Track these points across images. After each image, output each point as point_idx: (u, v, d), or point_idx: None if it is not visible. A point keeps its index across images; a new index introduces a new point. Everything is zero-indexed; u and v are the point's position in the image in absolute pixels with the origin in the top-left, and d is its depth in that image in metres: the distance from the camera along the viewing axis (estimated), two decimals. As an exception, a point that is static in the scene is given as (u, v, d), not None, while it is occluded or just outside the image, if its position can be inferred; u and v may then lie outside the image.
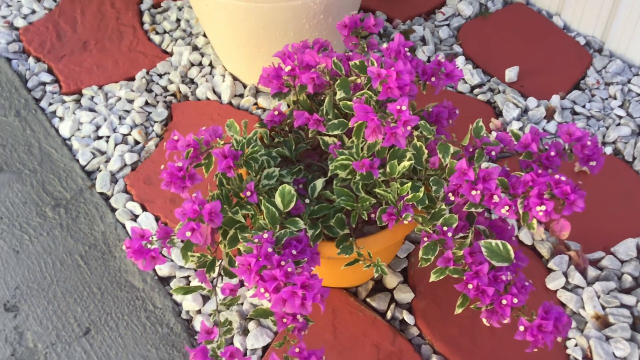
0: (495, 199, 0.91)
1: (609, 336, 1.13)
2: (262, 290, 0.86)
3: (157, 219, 1.33)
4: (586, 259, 1.23)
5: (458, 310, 0.93)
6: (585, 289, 1.18)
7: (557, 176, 0.90)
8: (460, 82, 1.55)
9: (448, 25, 1.69)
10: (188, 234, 0.91)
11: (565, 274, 1.21)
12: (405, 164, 0.95)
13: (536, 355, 1.12)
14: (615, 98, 1.50)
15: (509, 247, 0.92)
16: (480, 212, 0.99)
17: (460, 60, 1.58)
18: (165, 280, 1.26)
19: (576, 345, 1.12)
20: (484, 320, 0.92)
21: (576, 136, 0.95)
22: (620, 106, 1.49)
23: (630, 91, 1.51)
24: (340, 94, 0.98)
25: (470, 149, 0.97)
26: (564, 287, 1.20)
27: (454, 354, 1.12)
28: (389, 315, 1.17)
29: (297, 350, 0.91)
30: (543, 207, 0.88)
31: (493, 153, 0.96)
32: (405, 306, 1.19)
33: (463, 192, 0.91)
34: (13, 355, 1.17)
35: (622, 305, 1.17)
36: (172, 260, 1.27)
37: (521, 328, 0.90)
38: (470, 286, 0.90)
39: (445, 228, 0.93)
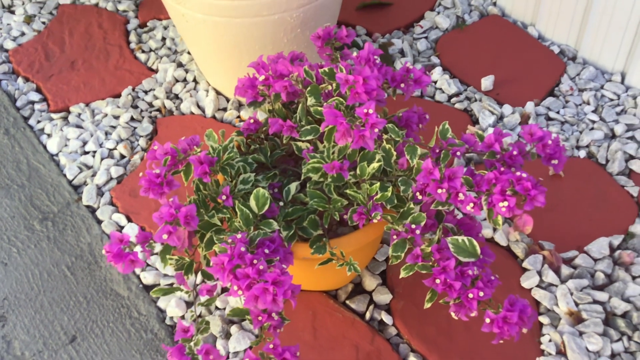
0: (461, 196, 0.94)
1: (582, 331, 1.16)
2: (235, 288, 0.89)
3: (143, 230, 1.36)
4: (559, 257, 1.26)
5: (427, 305, 0.96)
6: (559, 287, 1.21)
7: (518, 173, 0.93)
8: (438, 92, 1.59)
9: (426, 37, 1.73)
10: (165, 236, 0.94)
11: (540, 273, 1.24)
12: (375, 165, 0.99)
13: (510, 351, 1.15)
14: (588, 103, 1.54)
15: (475, 243, 0.95)
16: (449, 211, 1.03)
17: (437, 71, 1.62)
18: (149, 288, 1.29)
19: (550, 340, 1.15)
20: (452, 314, 0.95)
21: (538, 136, 0.99)
22: (594, 111, 1.53)
23: (603, 97, 1.55)
24: (311, 100, 1.02)
25: (437, 150, 1.01)
26: (538, 286, 1.23)
27: (432, 352, 1.15)
28: (367, 316, 1.20)
29: (271, 346, 0.94)
30: (505, 203, 0.91)
31: (458, 153, 0.99)
32: (384, 307, 1.22)
33: (430, 190, 0.95)
34: (1, 363, 1.19)
35: (595, 302, 1.20)
36: (156, 269, 1.30)
37: (487, 320, 0.93)
38: (438, 281, 0.94)
39: (413, 226, 0.96)
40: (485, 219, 1.33)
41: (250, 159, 1.07)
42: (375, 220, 0.96)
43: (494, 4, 1.80)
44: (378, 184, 0.97)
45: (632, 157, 1.43)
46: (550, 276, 1.23)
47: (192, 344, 0.96)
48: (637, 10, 1.46)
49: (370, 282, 1.25)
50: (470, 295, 0.93)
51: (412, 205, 0.98)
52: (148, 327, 1.23)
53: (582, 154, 1.45)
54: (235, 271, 0.90)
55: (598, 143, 1.46)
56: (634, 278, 1.23)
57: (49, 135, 1.56)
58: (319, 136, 1.07)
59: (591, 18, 1.57)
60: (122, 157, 1.50)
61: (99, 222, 1.40)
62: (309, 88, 1.03)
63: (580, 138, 1.47)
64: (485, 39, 1.71)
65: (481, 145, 1.00)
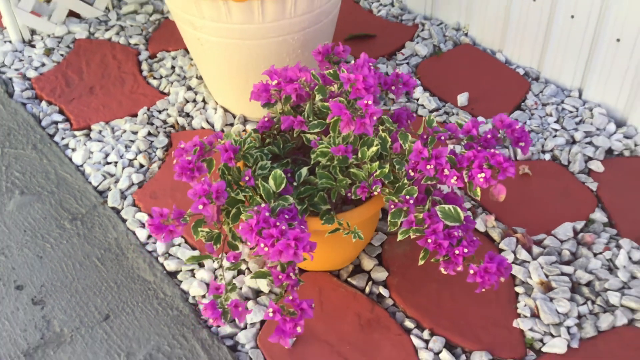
0: (446, 172, 1.14)
1: (552, 297, 1.34)
2: (262, 245, 1.07)
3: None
4: (530, 239, 1.45)
5: (421, 262, 1.14)
6: (531, 263, 1.41)
7: (492, 150, 1.14)
8: (420, 107, 1.80)
9: (407, 63, 1.96)
10: (200, 207, 1.12)
11: (514, 252, 1.43)
12: (373, 149, 1.18)
13: (491, 315, 1.33)
14: (551, 115, 1.76)
15: (460, 210, 1.14)
16: (436, 188, 1.22)
17: (419, 90, 1.84)
18: (172, 275, 1.45)
19: (525, 305, 1.33)
20: (442, 270, 1.14)
21: (507, 122, 1.20)
22: (556, 121, 1.75)
23: (563, 109, 1.78)
24: (318, 97, 1.22)
25: (425, 136, 1.21)
26: (513, 262, 1.42)
27: (424, 317, 1.32)
28: (367, 290, 1.38)
29: (290, 298, 1.11)
30: (482, 174, 1.12)
31: (442, 138, 1.20)
32: (381, 283, 1.40)
33: (420, 167, 1.15)
34: (42, 338, 1.34)
35: (563, 274, 1.39)
36: (178, 258, 1.47)
37: (471, 272, 1.11)
38: (429, 241, 1.12)
39: (408, 197, 1.15)
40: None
41: (266, 150, 1.26)
42: (375, 193, 1.16)
43: (466, 34, 2.04)
44: (377, 162, 1.17)
45: (590, 159, 1.65)
46: (523, 254, 1.42)
47: (222, 299, 1.13)
48: (588, 37, 1.70)
49: (368, 263, 1.43)
50: (457, 252, 1.12)
51: (405, 181, 1.17)
52: (173, 305, 1.38)
53: (547, 157, 1.66)
54: (262, 232, 1.08)
55: (560, 148, 1.68)
56: (595, 255, 1.43)
57: (74, 150, 1.74)
58: (324, 129, 1.26)
59: (550, 44, 1.81)
60: (142, 166, 1.68)
61: (124, 220, 1.56)
62: (317, 87, 1.23)
63: (545, 144, 1.69)
64: (459, 64, 1.94)
65: (461, 131, 1.21)
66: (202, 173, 1.20)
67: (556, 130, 1.73)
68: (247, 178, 1.18)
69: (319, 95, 1.23)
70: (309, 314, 1.12)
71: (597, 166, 1.63)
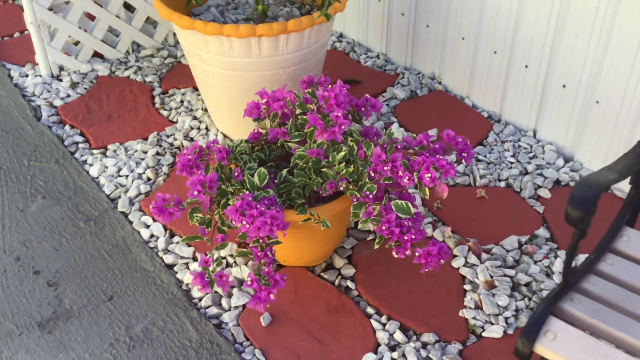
0: (400, 173, 1.39)
1: (494, 293, 1.56)
2: (244, 222, 1.31)
3: (164, 227, 1.77)
4: (480, 247, 1.68)
5: (376, 246, 1.37)
6: (479, 266, 1.63)
7: (438, 156, 1.39)
8: (395, 141, 2.06)
9: (387, 104, 2.24)
10: (195, 193, 1.36)
11: (465, 257, 1.66)
12: (342, 154, 1.43)
13: (441, 306, 1.54)
14: (508, 150, 2.02)
15: (410, 205, 1.38)
16: (392, 189, 1.46)
17: (395, 126, 2.11)
18: (170, 267, 1.68)
19: (471, 299, 1.55)
20: (394, 253, 1.37)
21: (452, 136, 1.45)
22: (512, 156, 2.00)
23: (519, 146, 2.04)
24: (299, 110, 1.49)
25: (385, 145, 1.46)
26: (464, 265, 1.64)
27: (383, 306, 1.54)
28: (336, 283, 1.60)
29: (265, 270, 1.34)
30: (429, 174, 1.36)
31: (399, 146, 1.45)
32: (349, 278, 1.62)
33: (379, 169, 1.39)
34: (54, 313, 1.56)
35: (505, 275, 1.61)
36: (175, 253, 1.70)
37: (417, 254, 1.34)
38: (383, 228, 1.36)
39: (368, 192, 1.39)
40: (417, 192, 1.76)
41: (255, 155, 1.52)
42: (341, 188, 1.40)
43: (440, 82, 2.32)
44: (344, 164, 1.41)
45: (539, 187, 1.89)
46: (473, 259, 1.65)
47: (210, 271, 1.36)
48: (540, 82, 1.98)
49: (339, 262, 1.65)
50: (406, 238, 1.35)
51: (367, 180, 1.42)
52: (169, 290, 1.61)
53: (502, 184, 1.91)
54: (245, 213, 1.32)
55: (514, 177, 1.92)
56: (535, 262, 1.65)
57: (91, 165, 2.00)
58: (303, 140, 1.51)
59: (509, 90, 2.08)
60: (149, 179, 1.93)
61: (131, 222, 1.80)
62: (298, 103, 1.49)
63: (501, 174, 1.93)
64: (432, 106, 2.22)
65: (414, 141, 1.46)
66: (199, 169, 1.45)
67: (512, 163, 1.98)
68: (236, 174, 1.43)
69: (299, 109, 1.49)
70: (281, 285, 1.34)
71: (545, 193, 1.87)
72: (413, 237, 1.35)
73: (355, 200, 1.40)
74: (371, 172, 1.41)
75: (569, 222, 0.92)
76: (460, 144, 1.45)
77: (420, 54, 2.35)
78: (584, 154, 1.95)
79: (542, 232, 1.74)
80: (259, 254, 1.36)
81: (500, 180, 1.93)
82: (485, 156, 2.01)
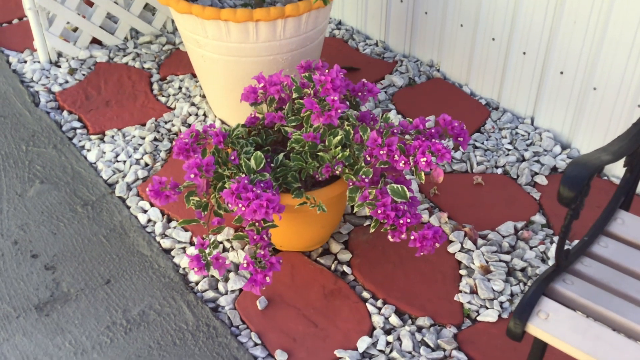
0: (396, 157, 1.39)
1: (490, 278, 1.57)
2: (240, 205, 1.31)
3: (162, 212, 1.78)
4: (476, 232, 1.69)
5: (372, 230, 1.38)
6: (475, 251, 1.63)
7: (433, 140, 1.39)
8: (392, 128, 2.06)
9: (385, 92, 2.24)
10: (192, 176, 1.37)
11: (461, 243, 1.66)
12: (338, 138, 1.44)
13: (437, 290, 1.55)
14: (505, 137, 2.02)
15: (406, 189, 1.38)
16: (389, 174, 1.47)
17: (393, 113, 2.11)
18: (167, 251, 1.68)
19: (466, 284, 1.56)
20: (389, 237, 1.37)
21: (448, 120, 1.45)
22: (509, 143, 2.01)
23: (517, 133, 2.04)
24: (295, 95, 1.49)
25: (381, 130, 1.46)
26: (460, 251, 1.65)
27: (379, 290, 1.55)
28: (333, 267, 1.61)
29: (262, 253, 1.34)
30: (425, 159, 1.36)
31: (395, 131, 1.45)
32: (345, 263, 1.63)
33: (375, 153, 1.39)
34: (52, 296, 1.56)
35: (501, 261, 1.61)
36: (172, 238, 1.70)
37: (412, 237, 1.35)
38: (379, 212, 1.36)
39: (364, 176, 1.40)
40: (414, 177, 1.76)
41: (251, 139, 1.52)
42: (337, 172, 1.40)
43: (438, 70, 2.32)
44: (340, 147, 1.42)
45: (536, 174, 1.90)
46: (469, 244, 1.65)
47: (206, 254, 1.36)
48: (538, 69, 1.98)
49: (335, 247, 1.66)
50: (401, 222, 1.36)
51: (363, 165, 1.42)
52: (166, 274, 1.61)
53: (499, 171, 1.91)
54: (241, 196, 1.32)
55: (511, 164, 1.93)
56: (531, 247, 1.66)
57: (89, 150, 2.00)
58: (299, 125, 1.52)
59: (507, 77, 2.08)
60: (147, 164, 1.94)
61: (128, 207, 1.81)
62: (294, 87, 1.50)
63: (498, 161, 1.94)
64: (430, 94, 2.22)
65: (410, 126, 1.46)
66: (196, 153, 1.45)
67: (509, 150, 1.98)
68: (232, 157, 1.43)
69: (296, 93, 1.49)
70: (277, 268, 1.35)
71: (541, 180, 1.87)
72: (408, 220, 1.35)
73: (351, 184, 1.41)
74: (367, 156, 1.41)
75: (561, 202, 0.93)
76: (456, 128, 1.45)
77: (419, 41, 2.35)
78: (581, 141, 1.95)
79: (538, 218, 1.74)
80: (255, 237, 1.37)
81: (497, 167, 1.93)
82: (482, 143, 2.01)
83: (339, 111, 1.41)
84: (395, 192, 1.38)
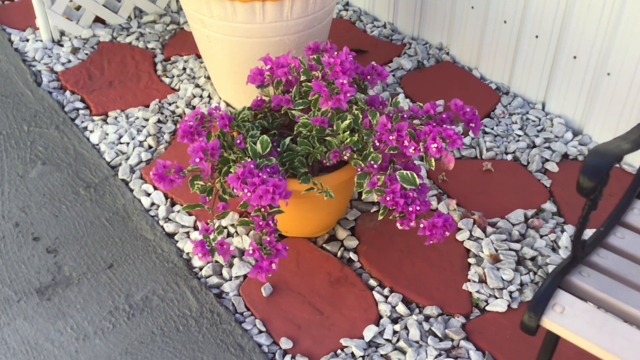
0: (406, 143, 1.35)
1: (499, 267, 1.53)
2: (245, 191, 1.28)
3: (165, 196, 1.75)
4: (485, 220, 1.65)
5: (380, 217, 1.35)
6: (484, 239, 1.60)
7: (444, 126, 1.35)
8: (400, 112, 2.02)
9: (393, 75, 2.19)
10: (197, 160, 1.34)
11: (470, 231, 1.63)
12: (346, 122, 1.40)
13: (444, 279, 1.52)
14: (516, 123, 1.98)
15: (415, 176, 1.35)
16: (398, 160, 1.43)
17: (401, 97, 2.07)
18: (171, 235, 1.66)
19: (475, 272, 1.53)
20: (398, 225, 1.34)
21: (460, 105, 1.42)
22: (520, 129, 1.97)
23: (527, 119, 2.00)
24: (303, 77, 1.45)
25: (390, 114, 1.43)
26: (469, 239, 1.61)
27: (386, 278, 1.52)
28: (339, 254, 1.58)
29: (267, 239, 1.31)
30: (435, 145, 1.33)
31: (405, 116, 1.41)
32: (352, 250, 1.60)
33: (384, 138, 1.36)
34: (53, 280, 1.54)
35: (510, 249, 1.58)
36: (176, 222, 1.67)
37: (421, 226, 1.32)
38: (388, 199, 1.33)
39: (373, 162, 1.36)
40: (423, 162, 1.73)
41: (257, 123, 1.48)
42: (346, 157, 1.37)
43: (447, 53, 2.28)
44: (348, 132, 1.38)
45: (547, 160, 1.86)
46: (478, 232, 1.62)
47: (210, 239, 1.33)
48: (550, 53, 1.93)
49: (341, 233, 1.63)
50: (410, 209, 1.32)
51: (372, 150, 1.38)
52: (169, 259, 1.59)
53: (509, 157, 1.87)
54: (246, 181, 1.29)
55: (522, 150, 1.89)
56: (541, 236, 1.63)
57: (92, 131, 1.96)
58: (306, 108, 1.48)
59: (518, 61, 2.04)
60: (150, 147, 1.90)
61: (131, 190, 1.78)
62: (302, 69, 1.46)
63: (508, 146, 1.90)
64: (439, 77, 2.17)
65: (421, 111, 1.43)
66: (201, 136, 1.42)
67: (519, 136, 1.94)
68: (238, 141, 1.40)
69: (304, 76, 1.45)
70: (283, 254, 1.32)
71: (552, 167, 1.83)
72: (418, 208, 1.32)
73: (359, 169, 1.37)
74: (376, 141, 1.37)
75: (580, 193, 0.89)
76: (468, 113, 1.41)
77: (428, 23, 2.30)
78: (593, 128, 1.91)
79: (549, 206, 1.71)
80: (260, 222, 1.34)
81: (507, 154, 1.89)
82: (492, 128, 1.97)
83: (348, 95, 1.38)
84: (405, 178, 1.34)
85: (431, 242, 1.33)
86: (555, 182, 1.79)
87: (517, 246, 1.59)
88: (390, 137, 1.35)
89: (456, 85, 2.13)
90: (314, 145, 1.41)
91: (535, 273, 1.53)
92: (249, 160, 1.34)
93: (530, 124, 1.97)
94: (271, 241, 1.32)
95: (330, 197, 1.38)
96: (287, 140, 1.44)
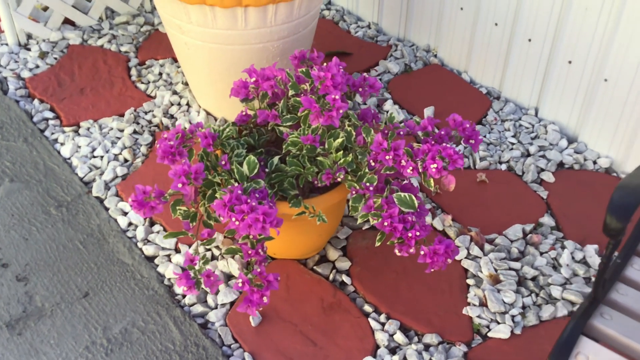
0: (403, 162, 1.26)
1: (499, 289, 1.46)
2: (233, 219, 1.18)
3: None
4: (483, 237, 1.58)
5: (377, 243, 1.26)
6: (482, 258, 1.53)
7: (444, 144, 1.27)
8: (389, 119, 1.94)
9: (380, 79, 2.10)
10: (180, 185, 1.23)
11: (468, 249, 1.56)
12: (339, 140, 1.31)
13: (443, 303, 1.44)
14: (509, 130, 1.91)
15: (414, 198, 1.26)
16: (394, 180, 1.34)
17: (389, 103, 1.98)
18: (150, 259, 1.55)
19: (475, 295, 1.45)
20: (397, 251, 1.25)
21: (459, 121, 1.33)
22: (513, 136, 1.89)
23: (520, 125, 1.93)
24: (292, 92, 1.35)
25: (386, 131, 1.34)
26: (466, 257, 1.54)
27: (381, 303, 1.43)
28: (331, 277, 1.49)
29: (258, 270, 1.22)
30: (435, 165, 1.24)
31: (401, 133, 1.33)
32: (344, 272, 1.51)
33: (380, 158, 1.27)
34: (24, 312, 1.43)
35: (510, 269, 1.51)
36: (156, 244, 1.57)
37: (422, 252, 1.23)
38: (385, 224, 1.24)
39: (368, 184, 1.27)
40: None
41: (243, 140, 1.38)
42: (339, 179, 1.28)
43: (435, 55, 2.19)
44: (342, 152, 1.29)
45: (542, 170, 1.79)
46: (475, 250, 1.54)
47: (196, 268, 1.24)
48: (544, 58, 1.86)
49: (333, 254, 1.54)
50: (410, 235, 1.24)
51: (366, 170, 1.29)
52: (149, 286, 1.48)
53: (504, 167, 1.80)
54: (234, 208, 1.19)
55: (516, 159, 1.81)
56: (541, 253, 1.55)
57: (62, 144, 1.84)
58: (295, 124, 1.38)
59: (510, 65, 1.96)
60: (126, 160, 1.79)
61: (107, 209, 1.66)
62: (290, 83, 1.36)
63: (502, 155, 1.82)
64: (428, 81, 2.09)
65: (418, 127, 1.34)
66: (183, 157, 1.31)
67: (513, 144, 1.87)
68: (223, 162, 1.30)
69: (292, 90, 1.35)
70: (275, 286, 1.22)
71: (548, 177, 1.76)
72: (418, 233, 1.24)
73: (354, 192, 1.28)
74: (371, 161, 1.28)
75: (608, 234, 0.81)
76: (468, 129, 1.33)
77: (415, 24, 2.22)
78: (589, 135, 1.84)
79: (547, 219, 1.64)
80: (249, 251, 1.24)
81: (501, 163, 1.82)
82: (484, 136, 1.89)
83: (341, 111, 1.28)
84: (403, 201, 1.25)
85: (432, 270, 1.25)
86: (552, 194, 1.72)
87: (517, 265, 1.51)
88: (387, 157, 1.26)
89: (445, 90, 2.05)
90: (305, 166, 1.32)
91: (537, 295, 1.46)
92: (236, 184, 1.24)
93: (524, 131, 1.90)
94: (262, 272, 1.22)
95: (324, 222, 1.29)
96: (276, 159, 1.34)
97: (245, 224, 1.17)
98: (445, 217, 1.62)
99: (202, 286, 1.23)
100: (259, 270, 1.22)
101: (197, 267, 1.24)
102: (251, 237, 1.25)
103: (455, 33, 2.09)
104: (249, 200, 1.19)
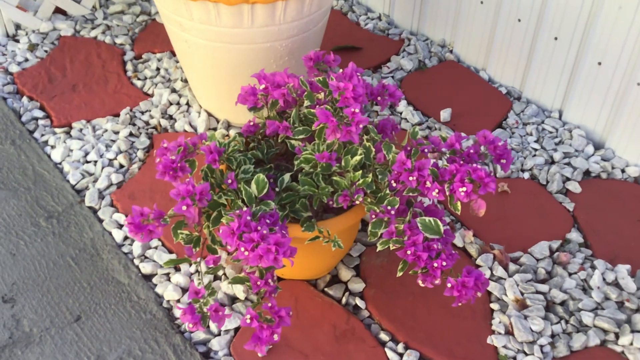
0: (428, 184, 1.14)
1: (526, 315, 1.35)
2: (242, 249, 1.06)
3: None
4: (507, 256, 1.46)
5: (399, 273, 1.14)
6: (507, 280, 1.41)
7: (474, 165, 1.14)
8: (403, 121, 1.81)
9: (392, 77, 1.97)
10: (184, 208, 1.11)
11: (491, 269, 1.44)
12: (357, 158, 1.18)
13: (465, 330, 1.33)
14: (531, 134, 1.78)
15: (440, 223, 1.14)
16: (417, 201, 1.23)
17: (402, 104, 1.85)
18: (148, 277, 1.43)
19: (500, 322, 1.34)
20: (420, 282, 1.14)
21: (490, 139, 1.21)
22: (536, 141, 1.77)
23: (543, 129, 1.80)
24: (306, 103, 1.22)
25: (409, 148, 1.21)
26: (489, 278, 1.42)
27: (399, 330, 1.32)
28: (343, 301, 1.37)
29: (269, 305, 1.10)
30: (464, 188, 1.12)
31: (426, 150, 1.20)
32: (358, 294, 1.39)
33: (403, 179, 1.15)
34: (11, 338, 1.31)
35: (538, 292, 1.40)
36: (154, 261, 1.45)
37: (449, 285, 1.12)
38: (408, 252, 1.12)
39: (389, 207, 1.15)
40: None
41: (250, 154, 1.26)
42: (357, 202, 1.16)
43: (451, 51, 2.06)
44: (360, 171, 1.17)
45: (568, 179, 1.67)
46: (499, 271, 1.43)
47: (202, 302, 1.12)
48: (571, 58, 1.73)
49: (345, 274, 1.42)
50: (435, 265, 1.12)
51: (387, 192, 1.17)
52: (147, 309, 1.37)
53: (526, 175, 1.68)
54: (242, 236, 1.07)
55: (539, 167, 1.70)
56: (570, 274, 1.44)
57: (53, 147, 1.71)
58: (308, 136, 1.26)
59: (533, 64, 1.83)
60: (122, 166, 1.66)
61: (101, 220, 1.54)
62: (305, 93, 1.23)
63: (525, 163, 1.70)
64: (443, 80, 1.96)
65: (444, 144, 1.22)
66: (185, 173, 1.19)
67: (536, 149, 1.75)
68: (229, 181, 1.17)
69: (307, 101, 1.23)
70: (287, 322, 1.11)
71: (574, 187, 1.64)
72: (444, 263, 1.12)
73: (374, 216, 1.16)
74: (392, 181, 1.16)
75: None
76: (499, 148, 1.21)
77: (430, 17, 2.08)
78: (617, 141, 1.72)
79: (575, 235, 1.52)
80: (258, 282, 1.12)
81: (523, 171, 1.70)
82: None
83: (360, 126, 1.16)
84: (428, 226, 1.14)
85: (459, 304, 1.13)
86: (579, 206, 1.60)
87: (544, 288, 1.40)
88: (410, 178, 1.14)
89: (462, 89, 1.92)
90: (319, 185, 1.20)
91: (567, 322, 1.35)
92: (245, 209, 1.11)
93: (547, 136, 1.78)
94: (273, 306, 1.10)
95: (340, 248, 1.17)
96: (287, 177, 1.22)
97: (256, 255, 1.06)
98: (467, 232, 1.51)
99: (209, 321, 1.12)
100: (269, 304, 1.10)
101: (202, 301, 1.12)
102: (260, 266, 1.13)
103: (473, 28, 1.95)
104: (259, 228, 1.07)
